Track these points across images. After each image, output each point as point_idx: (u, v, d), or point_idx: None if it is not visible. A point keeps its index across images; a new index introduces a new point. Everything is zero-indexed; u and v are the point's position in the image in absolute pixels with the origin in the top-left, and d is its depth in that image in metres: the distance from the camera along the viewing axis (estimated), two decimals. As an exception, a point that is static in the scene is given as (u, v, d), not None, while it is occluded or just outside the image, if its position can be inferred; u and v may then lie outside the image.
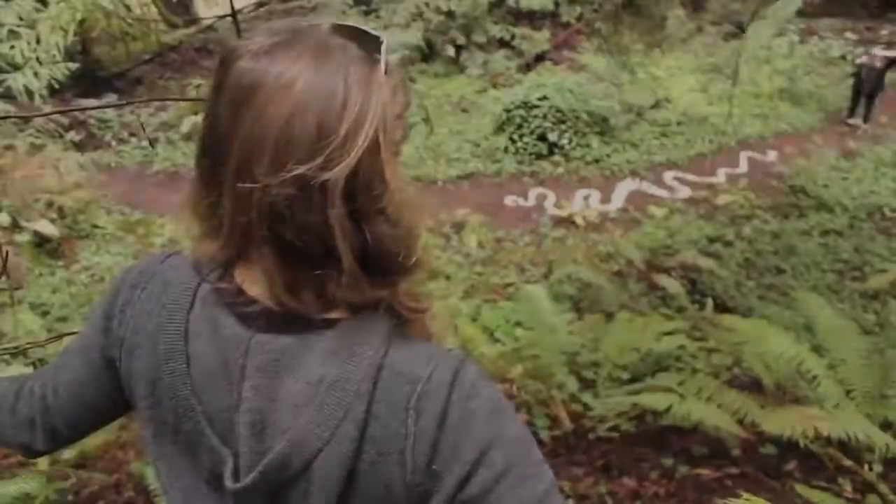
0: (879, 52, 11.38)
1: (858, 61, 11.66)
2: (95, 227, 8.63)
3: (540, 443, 3.95)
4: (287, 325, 0.83)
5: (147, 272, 0.95)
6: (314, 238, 0.77)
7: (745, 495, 1.83)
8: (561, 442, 4.00)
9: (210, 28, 13.62)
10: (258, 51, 0.79)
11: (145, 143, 11.31)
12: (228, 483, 0.81)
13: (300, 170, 0.73)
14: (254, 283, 0.85)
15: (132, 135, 11.67)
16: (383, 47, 0.80)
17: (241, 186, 0.76)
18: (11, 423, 1.06)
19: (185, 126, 11.49)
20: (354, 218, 0.78)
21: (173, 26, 12.73)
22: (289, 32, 0.80)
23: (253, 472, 0.80)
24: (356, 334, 0.83)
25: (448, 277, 7.55)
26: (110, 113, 11.84)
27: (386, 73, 0.80)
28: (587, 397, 4.37)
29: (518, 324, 6.15)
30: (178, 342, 0.86)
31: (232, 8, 3.74)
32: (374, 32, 0.81)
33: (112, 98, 12.25)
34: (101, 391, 0.99)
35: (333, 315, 0.84)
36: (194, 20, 13.82)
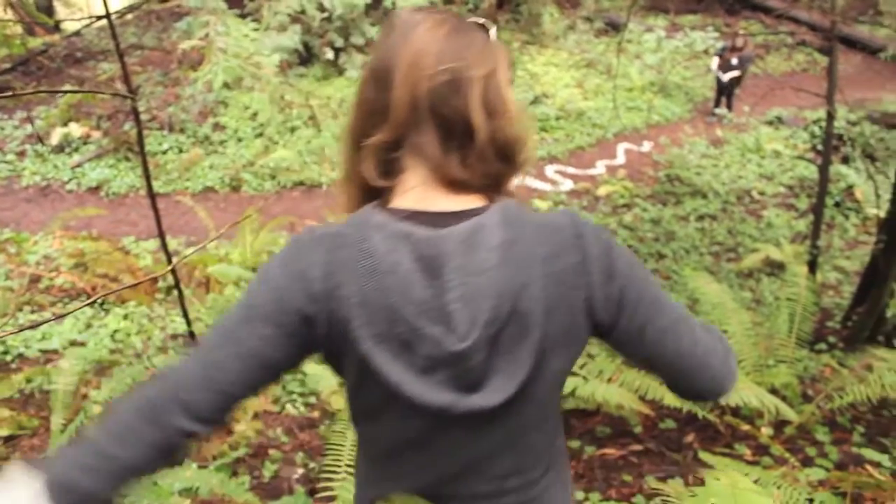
0: (723, 75, 12.10)
1: (716, 68, 12.32)
2: (-45, 248, 8.03)
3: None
4: (455, 219, 1.06)
5: (318, 236, 1.10)
6: (460, 117, 1.05)
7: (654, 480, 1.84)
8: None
9: (76, 34, 12.92)
10: (414, 10, 1.13)
11: (11, 156, 10.63)
12: (456, 347, 1.01)
13: (457, 61, 1.05)
14: (414, 187, 1.09)
15: (-9, 149, 10.94)
16: (492, 29, 1.14)
17: (412, 77, 1.04)
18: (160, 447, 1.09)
19: (55, 137, 10.84)
20: (486, 110, 1.06)
21: (31, 33, 11.98)
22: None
23: (473, 331, 1.01)
24: (507, 209, 1.07)
25: (339, 280, 7.43)
26: (-36, 127, 11.05)
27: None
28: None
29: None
30: (375, 264, 1.03)
31: (107, 11, 3.54)
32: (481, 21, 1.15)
33: (-35, 111, 11.43)
34: (284, 353, 1.10)
35: (478, 204, 1.09)
36: (58, 24, 13.08)
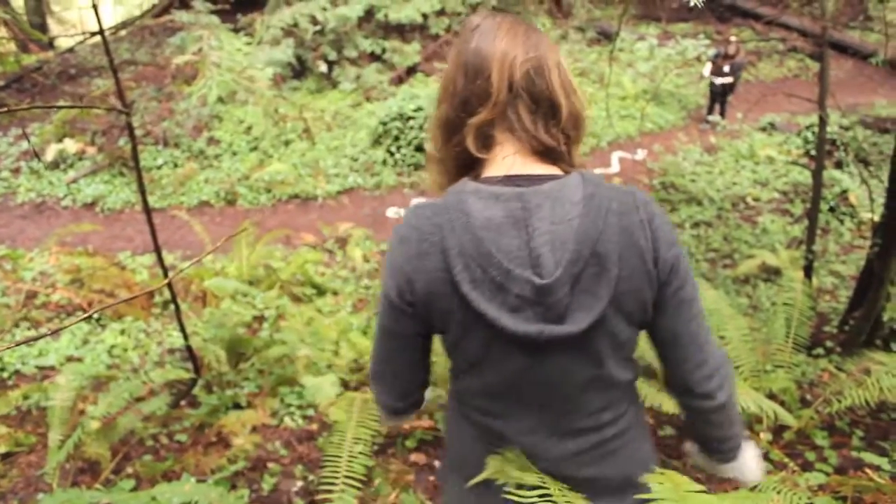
0: (717, 80, 12.15)
1: (708, 73, 12.38)
2: (-50, 266, 8.01)
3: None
4: (541, 180, 1.28)
5: (420, 207, 1.33)
6: (546, 95, 1.31)
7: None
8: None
9: (70, 50, 12.92)
10: (484, 14, 1.39)
11: (6, 173, 10.61)
12: (542, 281, 1.21)
13: (537, 53, 1.31)
14: (507, 156, 1.32)
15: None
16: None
17: (507, 66, 1.28)
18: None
19: (51, 154, 10.84)
20: (564, 90, 1.33)
21: (25, 50, 11.99)
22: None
23: (557, 270, 1.21)
24: (585, 173, 1.29)
25: (335, 293, 7.42)
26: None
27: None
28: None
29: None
30: (470, 220, 1.24)
31: (100, 27, 3.55)
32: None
33: (-40, 129, 11.43)
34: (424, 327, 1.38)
35: (559, 172, 1.32)
36: (52, 41, 13.08)
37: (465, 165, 1.36)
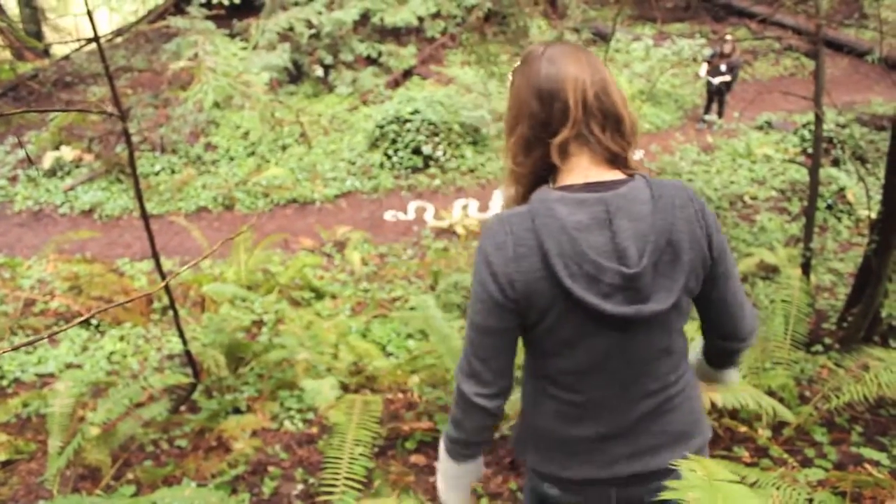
0: (715, 79, 12.14)
1: (704, 74, 12.39)
2: (-52, 274, 8.01)
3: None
4: (614, 185, 1.49)
5: (506, 217, 1.51)
6: (613, 111, 1.51)
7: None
8: (465, 445, 3.96)
9: (65, 58, 12.91)
10: (546, 43, 1.61)
11: (3, 181, 10.61)
12: (630, 270, 1.43)
13: (601, 75, 1.52)
14: (581, 166, 1.52)
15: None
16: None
17: (580, 90, 1.49)
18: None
19: (47, 162, 10.85)
20: (623, 103, 1.54)
21: (20, 58, 11.99)
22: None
23: (643, 259, 1.44)
24: (647, 176, 1.52)
25: (334, 296, 7.42)
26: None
27: None
28: (486, 399, 4.35)
29: (409, 336, 6.10)
30: (563, 224, 1.45)
31: (95, 34, 3.56)
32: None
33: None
34: (519, 321, 1.55)
35: (624, 176, 1.52)
36: (47, 49, 13.07)
37: (542, 177, 1.57)
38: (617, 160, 1.53)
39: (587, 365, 1.56)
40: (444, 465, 1.75)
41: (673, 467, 1.50)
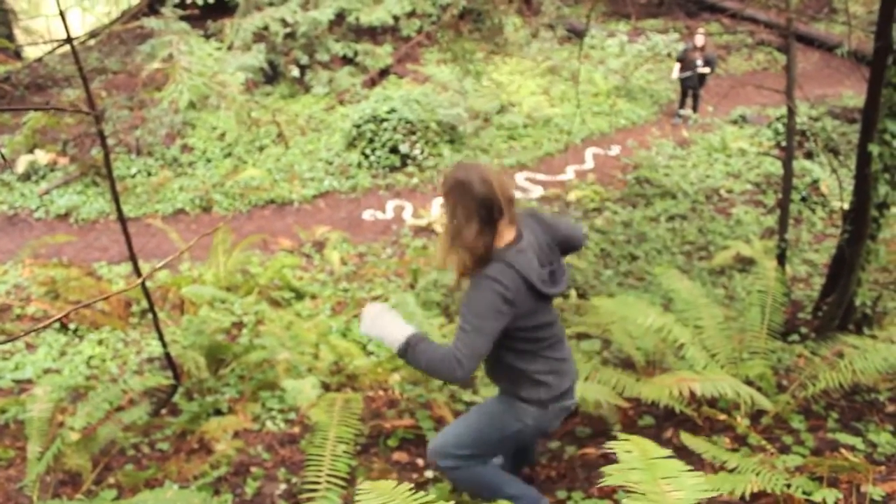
0: (686, 75, 12.21)
1: (676, 76, 12.47)
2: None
3: (428, 444, 3.92)
4: (518, 237, 2.46)
5: (511, 273, 2.37)
6: (511, 198, 2.46)
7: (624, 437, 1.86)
8: (448, 440, 3.98)
9: (38, 60, 12.76)
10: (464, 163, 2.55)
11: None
12: (556, 291, 2.50)
13: (501, 179, 2.45)
14: (506, 232, 2.44)
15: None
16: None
17: (501, 190, 2.39)
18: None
19: (21, 165, 10.73)
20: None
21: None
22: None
23: (560, 283, 2.54)
24: (520, 218, 2.54)
25: (314, 296, 7.41)
26: (-73, 159, 10.89)
27: None
28: (468, 395, 4.37)
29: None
30: (529, 264, 2.40)
31: (68, 36, 3.53)
32: None
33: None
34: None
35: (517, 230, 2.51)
36: (18, 51, 12.91)
37: (485, 250, 2.39)
38: (514, 219, 2.46)
39: (549, 332, 2.58)
40: (387, 338, 2.43)
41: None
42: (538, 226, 2.56)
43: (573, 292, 7.09)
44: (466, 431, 2.75)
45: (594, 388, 3.43)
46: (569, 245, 2.70)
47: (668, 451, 1.34)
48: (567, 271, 2.57)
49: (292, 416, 4.48)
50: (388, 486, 1.63)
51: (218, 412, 4.55)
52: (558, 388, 2.61)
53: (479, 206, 2.33)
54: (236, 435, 4.19)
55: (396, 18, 13.91)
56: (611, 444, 1.44)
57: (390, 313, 2.48)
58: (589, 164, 11.27)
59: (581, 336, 5.33)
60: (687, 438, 2.87)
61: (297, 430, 4.30)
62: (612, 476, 1.35)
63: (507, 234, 2.41)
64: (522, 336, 2.50)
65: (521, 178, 10.87)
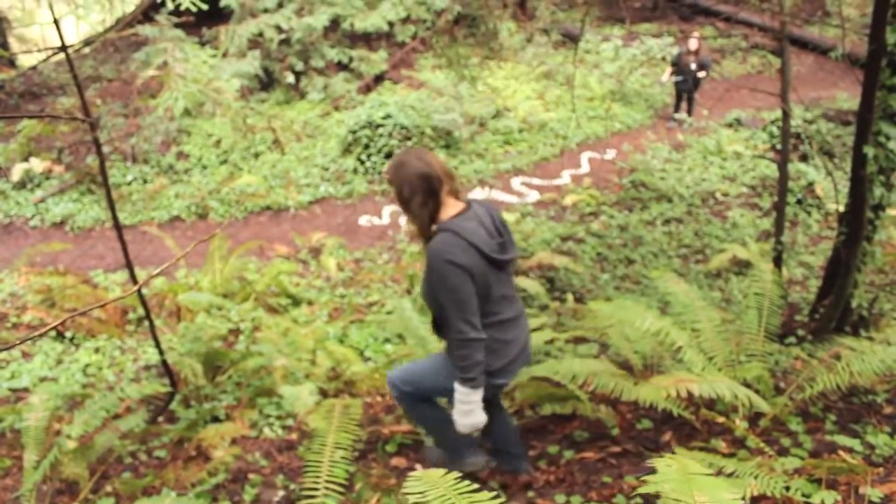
0: (678, 78, 12.25)
1: (666, 79, 12.51)
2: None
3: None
4: (466, 208, 2.76)
5: (456, 239, 2.62)
6: (451, 173, 2.83)
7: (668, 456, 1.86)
8: (446, 446, 3.97)
9: (33, 69, 12.76)
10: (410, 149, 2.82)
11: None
12: (502, 257, 2.73)
13: (437, 160, 2.80)
14: (450, 204, 2.77)
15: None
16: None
17: (440, 169, 2.73)
18: None
19: (17, 174, 10.70)
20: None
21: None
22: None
23: (502, 237, 2.78)
24: (472, 201, 2.83)
25: (311, 302, 7.39)
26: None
27: None
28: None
29: (387, 340, 6.10)
30: (479, 231, 2.69)
31: (63, 44, 3.52)
32: None
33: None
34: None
35: (464, 203, 2.82)
36: (13, 59, 12.88)
37: (432, 217, 2.73)
38: (457, 196, 2.78)
39: (503, 298, 2.83)
40: (471, 396, 2.73)
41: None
42: (487, 210, 2.80)
43: (570, 296, 7.09)
44: (413, 371, 3.12)
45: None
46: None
47: (707, 471, 1.35)
48: (515, 245, 2.84)
49: (290, 422, 4.47)
50: (436, 475, 1.72)
51: (215, 419, 4.54)
52: (489, 365, 2.79)
53: (419, 179, 2.64)
54: (234, 442, 4.18)
55: (391, 24, 13.92)
56: (654, 460, 1.46)
57: (456, 411, 2.81)
58: (585, 168, 11.28)
59: (579, 340, 5.33)
60: (681, 451, 2.87)
61: (294, 436, 4.29)
62: (648, 485, 1.36)
63: (452, 207, 2.71)
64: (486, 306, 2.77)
65: (516, 182, 10.87)
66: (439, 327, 2.92)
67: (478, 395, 2.75)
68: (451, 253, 2.57)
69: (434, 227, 2.72)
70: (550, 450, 3.63)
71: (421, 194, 2.65)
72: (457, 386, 2.74)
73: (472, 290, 2.61)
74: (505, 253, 2.72)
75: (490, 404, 3.06)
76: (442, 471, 1.72)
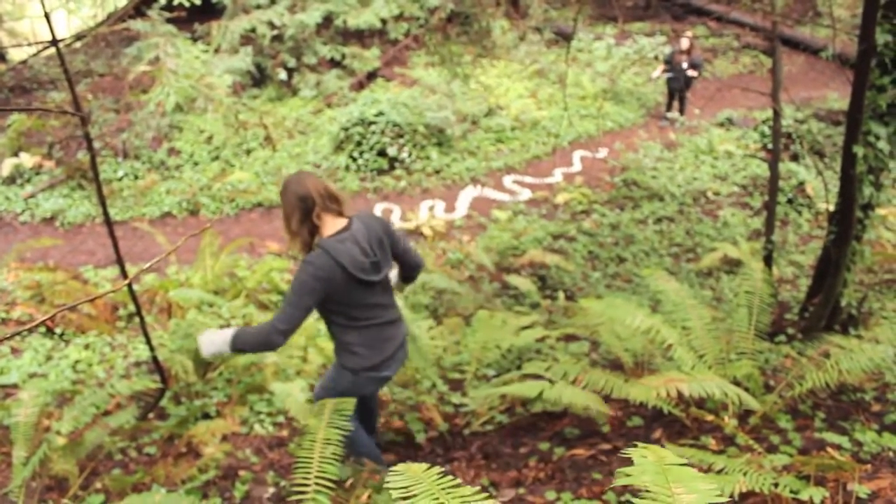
0: (672, 74, 12.26)
1: (657, 76, 12.54)
2: None
3: (417, 446, 3.91)
4: (346, 226, 3.02)
5: (326, 257, 2.91)
6: (332, 193, 3.07)
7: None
8: (438, 442, 3.98)
9: (23, 63, 12.69)
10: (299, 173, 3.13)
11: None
12: (375, 279, 3.02)
13: (319, 181, 3.10)
14: (328, 223, 3.03)
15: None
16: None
17: (318, 190, 2.98)
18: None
19: (6, 169, 10.64)
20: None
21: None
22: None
23: (375, 256, 3.02)
24: (356, 216, 3.09)
25: (303, 299, 7.37)
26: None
27: None
28: (457, 397, 4.38)
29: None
30: (352, 251, 2.94)
31: (54, 38, 3.50)
32: None
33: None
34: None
35: (346, 219, 3.07)
36: (3, 54, 12.81)
37: (311, 236, 3.00)
38: (341, 213, 3.00)
39: (370, 310, 3.09)
40: (221, 347, 3.02)
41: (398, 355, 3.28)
42: (380, 227, 3.08)
43: (561, 294, 7.11)
44: (321, 384, 3.40)
45: (581, 392, 3.44)
46: (404, 263, 3.29)
47: (684, 459, 1.35)
48: (390, 265, 3.15)
49: (280, 419, 4.46)
50: (419, 469, 1.72)
51: (206, 416, 4.53)
52: (370, 359, 3.15)
53: (297, 200, 2.94)
54: (224, 438, 4.17)
55: (384, 21, 13.90)
56: (629, 450, 1.46)
57: (215, 332, 3.06)
58: (576, 166, 11.30)
59: (569, 338, 5.34)
60: (671, 448, 2.87)
61: (285, 433, 4.29)
62: (624, 477, 1.36)
63: (332, 226, 2.99)
64: (338, 311, 3.06)
65: (508, 180, 10.88)
66: (326, 334, 3.35)
67: (225, 350, 3.04)
68: (317, 266, 2.86)
69: (315, 242, 2.99)
70: (541, 447, 3.64)
71: (298, 213, 2.95)
72: (228, 342, 3.00)
73: (312, 302, 2.91)
74: (376, 272, 3.02)
75: (372, 397, 3.59)
76: (424, 465, 1.72)
